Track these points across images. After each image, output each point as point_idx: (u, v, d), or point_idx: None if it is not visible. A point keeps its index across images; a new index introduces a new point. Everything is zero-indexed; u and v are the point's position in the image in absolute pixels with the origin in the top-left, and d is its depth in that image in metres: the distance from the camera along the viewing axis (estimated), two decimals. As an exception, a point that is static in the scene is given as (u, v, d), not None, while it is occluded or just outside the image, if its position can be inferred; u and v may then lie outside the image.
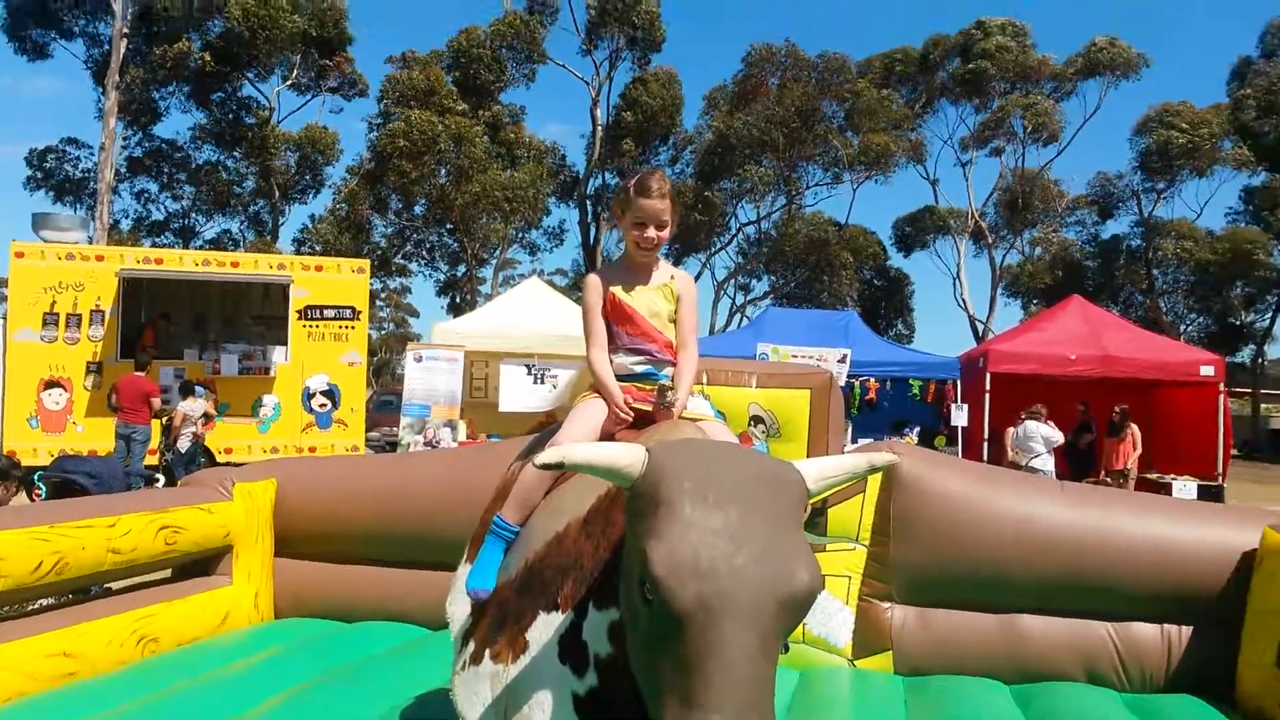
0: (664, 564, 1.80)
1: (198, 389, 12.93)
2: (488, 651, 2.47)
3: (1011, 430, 13.21)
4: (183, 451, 12.38)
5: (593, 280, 2.91)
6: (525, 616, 2.39)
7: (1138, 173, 37.82)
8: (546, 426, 3.33)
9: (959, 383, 16.58)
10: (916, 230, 41.57)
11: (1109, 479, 13.27)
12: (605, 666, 2.14)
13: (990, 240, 39.87)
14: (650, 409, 2.77)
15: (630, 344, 2.87)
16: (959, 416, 15.52)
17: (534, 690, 2.28)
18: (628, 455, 2.01)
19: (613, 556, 2.17)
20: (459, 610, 2.73)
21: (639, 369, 2.84)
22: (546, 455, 2.03)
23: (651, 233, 2.78)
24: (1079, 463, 14.13)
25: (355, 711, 3.50)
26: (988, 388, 15.31)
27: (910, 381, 17.19)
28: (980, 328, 38.84)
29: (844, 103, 35.66)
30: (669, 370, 2.87)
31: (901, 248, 42.25)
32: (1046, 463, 12.57)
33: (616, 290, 2.86)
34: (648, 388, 2.80)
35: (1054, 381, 15.43)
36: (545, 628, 2.31)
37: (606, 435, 2.74)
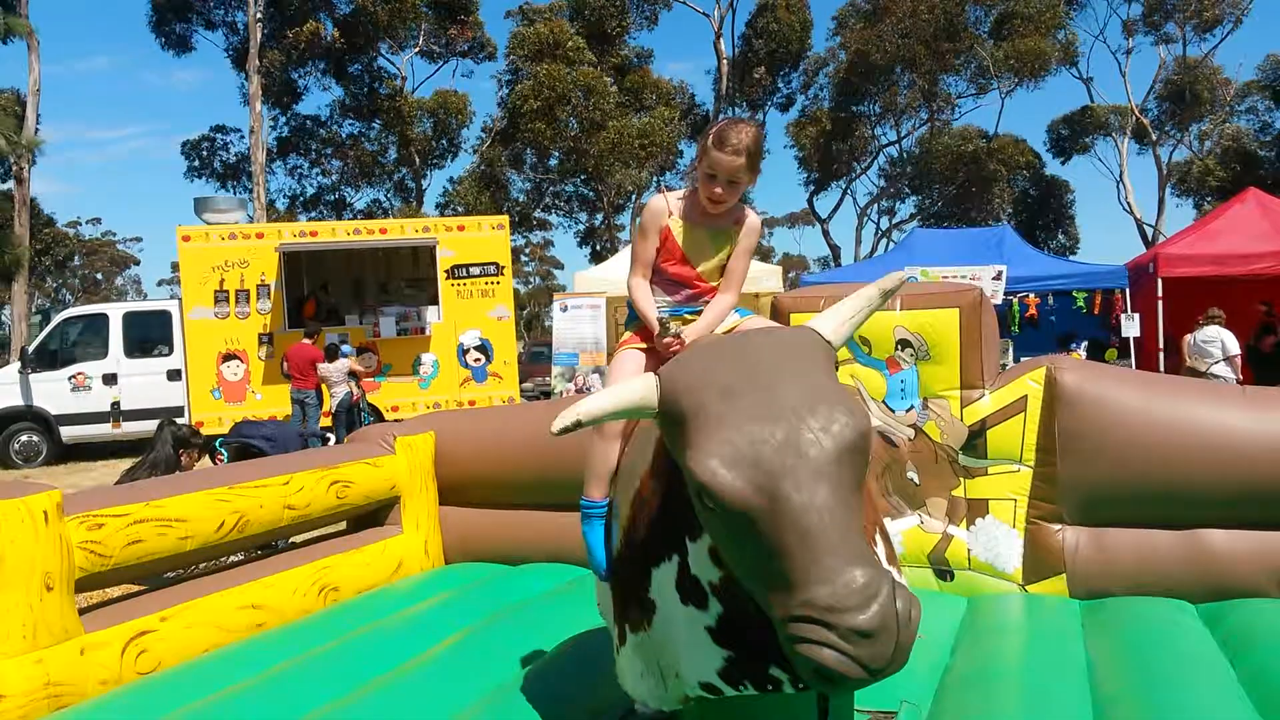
0: (707, 470, 1.80)
1: (343, 349, 13.52)
2: (628, 626, 2.49)
3: (1189, 337, 12.43)
4: (333, 412, 12.99)
5: (656, 204, 2.79)
6: (640, 580, 2.39)
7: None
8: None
9: (1128, 292, 15.66)
10: (1074, 132, 39.12)
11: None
12: (722, 591, 2.12)
13: (1154, 138, 37.30)
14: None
15: (665, 281, 2.78)
16: (1130, 327, 14.67)
17: (675, 641, 2.28)
18: (639, 388, 2.00)
19: (684, 487, 2.13)
20: (605, 599, 2.76)
21: (664, 312, 2.75)
22: (561, 418, 2.01)
23: (719, 189, 2.61)
24: (1264, 367, 13.19)
25: (519, 651, 3.60)
26: (1160, 294, 14.42)
27: (1074, 294, 16.34)
28: (1149, 232, 36.55)
29: (989, 7, 33.75)
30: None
31: (1058, 153, 39.91)
32: (1225, 370, 11.77)
33: (673, 223, 2.74)
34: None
35: (1233, 282, 14.37)
36: (660, 582, 2.31)
37: None
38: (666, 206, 2.76)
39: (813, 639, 1.66)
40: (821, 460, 1.76)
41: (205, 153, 36.14)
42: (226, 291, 15.05)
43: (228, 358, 15.06)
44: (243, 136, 34.65)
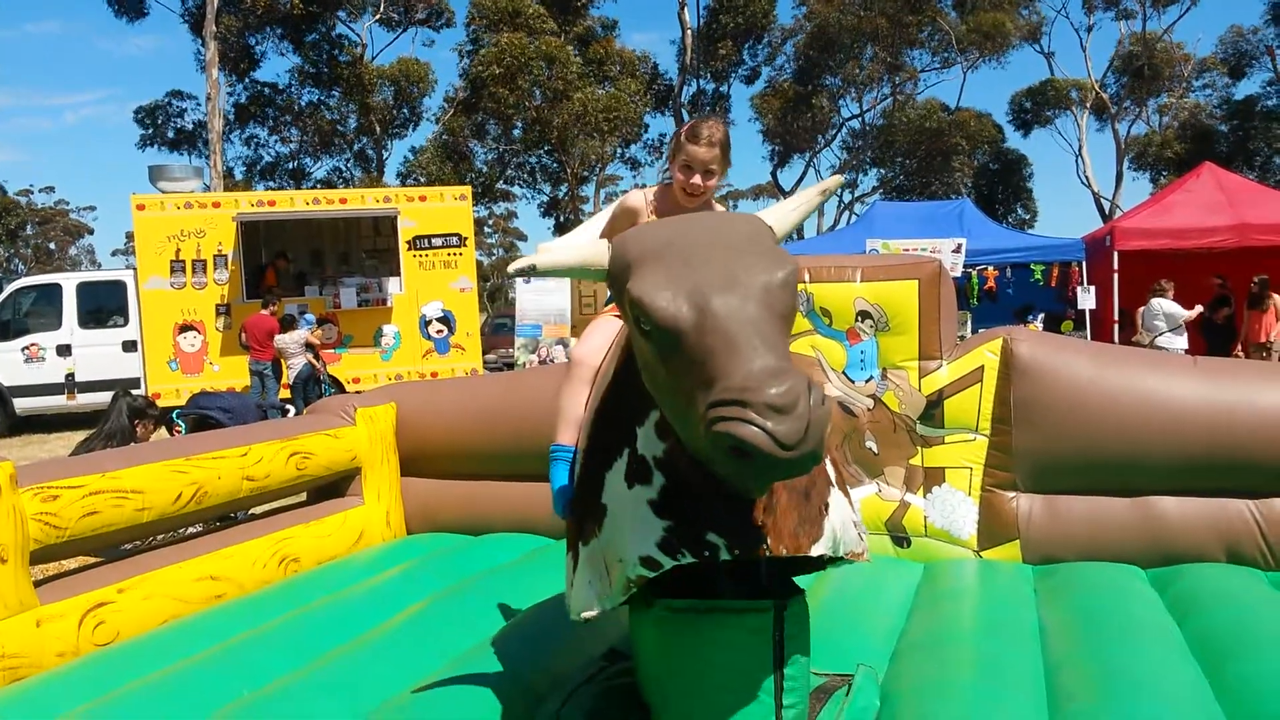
0: (645, 288, 1.97)
1: (305, 319, 13.40)
2: (581, 542, 2.54)
3: (1142, 310, 12.65)
4: (292, 384, 12.88)
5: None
6: (596, 489, 2.45)
7: (1271, 25, 35.03)
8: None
9: (1084, 265, 15.88)
10: (1036, 106, 39.44)
11: (1250, 354, 12.60)
12: (664, 462, 2.22)
13: (1113, 112, 37.67)
14: None
15: None
16: (1086, 299, 14.90)
17: (621, 528, 2.34)
18: (594, 247, 2.20)
19: (627, 373, 2.29)
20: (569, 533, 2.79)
21: None
22: (517, 264, 2.22)
23: (697, 180, 2.75)
24: (1218, 338, 13.45)
25: (481, 620, 3.62)
26: (1115, 267, 14.63)
27: (1032, 267, 16.55)
28: (1107, 205, 37.00)
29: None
30: None
31: (1020, 126, 40.23)
32: (1173, 340, 12.00)
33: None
34: None
35: (1189, 256, 14.62)
36: (612, 482, 2.39)
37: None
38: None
39: (729, 417, 1.76)
40: (751, 286, 1.93)
41: (160, 120, 35.43)
42: (183, 261, 14.82)
43: (184, 329, 14.85)
44: (199, 104, 34.02)
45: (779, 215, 2.32)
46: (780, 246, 2.17)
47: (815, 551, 2.24)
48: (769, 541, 2.15)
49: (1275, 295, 12.85)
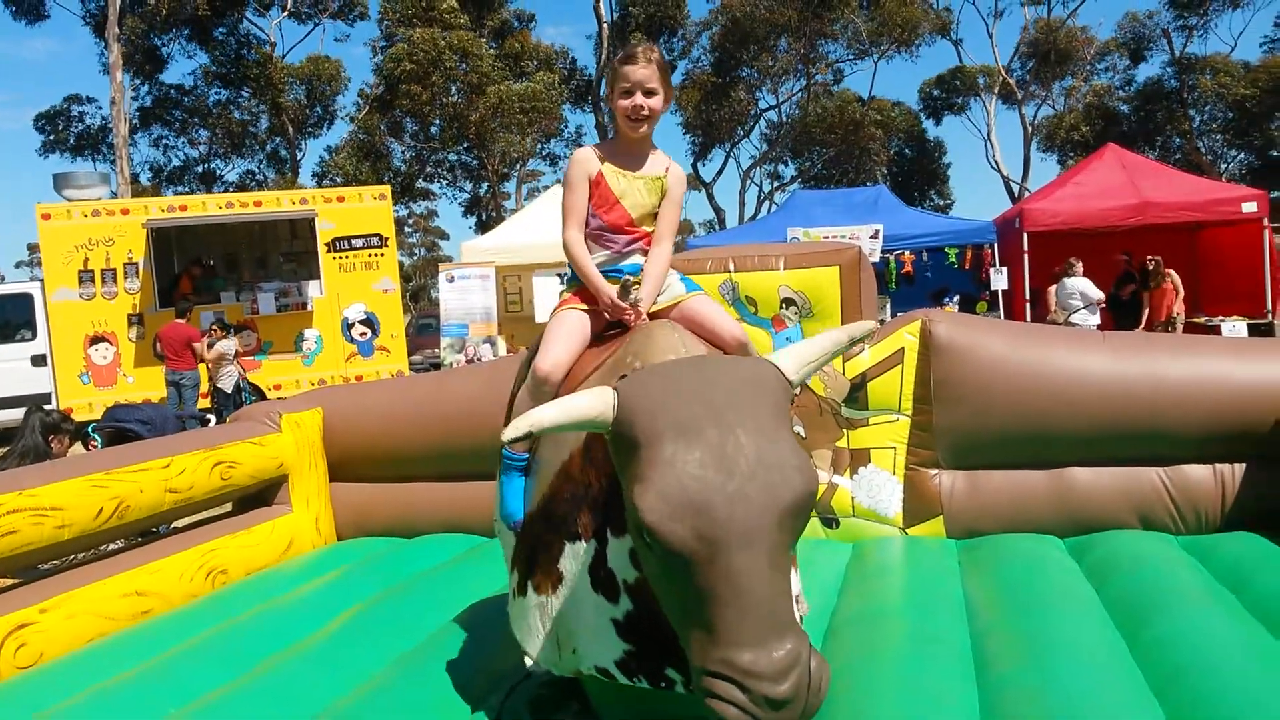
0: (654, 510, 1.78)
1: (231, 329, 13.13)
2: (530, 583, 2.49)
3: (1052, 288, 13.03)
4: (227, 391, 12.61)
5: (582, 154, 2.78)
6: (553, 547, 2.40)
7: (1168, 9, 36.32)
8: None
9: (996, 246, 16.30)
10: (946, 93, 40.31)
11: (1156, 327, 13.08)
12: (635, 590, 2.15)
13: (1020, 97, 38.66)
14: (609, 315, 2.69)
15: (599, 231, 2.76)
16: (998, 280, 15.30)
17: (579, 620, 2.31)
18: (597, 403, 1.96)
19: (618, 483, 2.13)
20: (505, 535, 2.76)
21: (601, 262, 2.75)
22: (513, 428, 1.99)
23: (640, 99, 2.64)
24: (1124, 313, 13.94)
25: (418, 622, 3.60)
26: (1025, 248, 15.06)
27: (947, 250, 16.93)
28: (1016, 188, 37.98)
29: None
30: (637, 261, 2.77)
31: (931, 113, 41.11)
32: (1087, 318, 12.41)
33: (606, 169, 2.73)
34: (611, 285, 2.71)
35: (1094, 234, 15.12)
36: (573, 557, 2.33)
37: (591, 340, 2.70)
38: (594, 154, 2.75)
39: (725, 697, 1.71)
40: (766, 521, 1.77)
41: (61, 125, 34.25)
42: (91, 271, 14.34)
43: (96, 340, 14.38)
44: (101, 107, 32.99)
45: (798, 364, 2.10)
46: (795, 437, 1.99)
47: None
48: None
49: (1170, 272, 13.36)
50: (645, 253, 2.78)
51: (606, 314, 2.71)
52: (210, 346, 12.68)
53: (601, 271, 2.73)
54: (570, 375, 2.61)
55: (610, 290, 2.68)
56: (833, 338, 2.19)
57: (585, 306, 2.76)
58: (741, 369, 2.01)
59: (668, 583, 1.86)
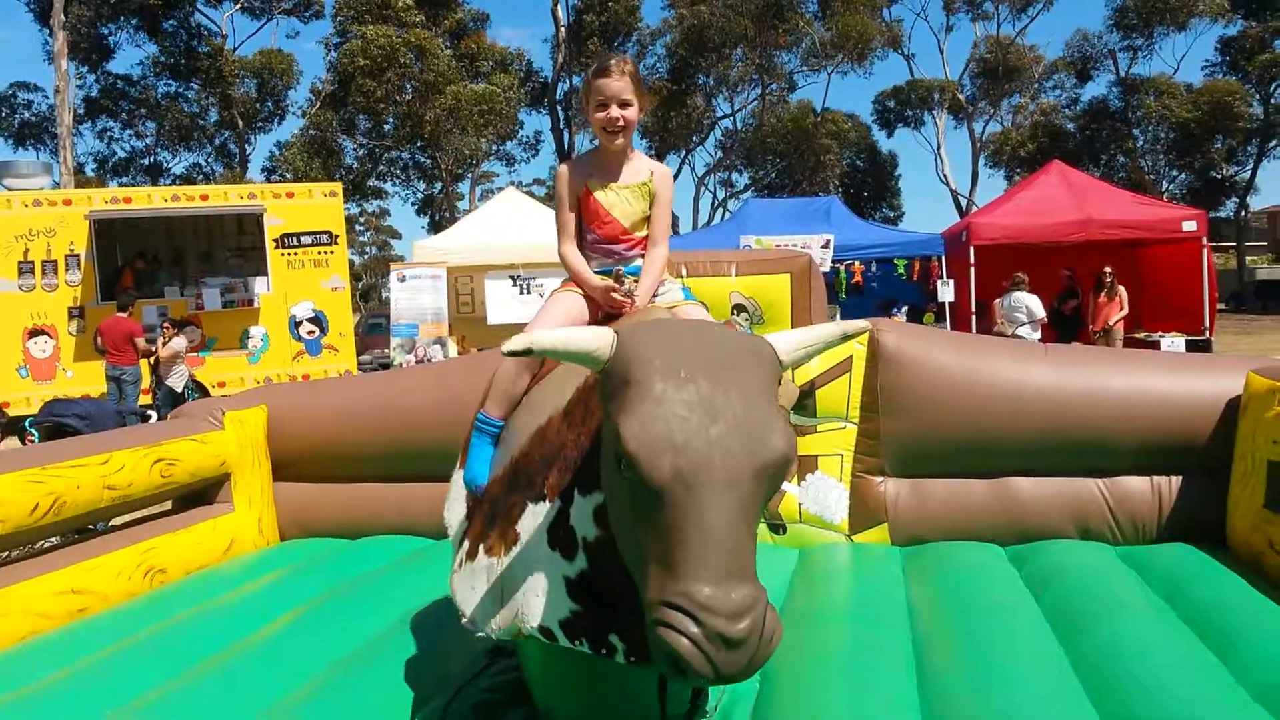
0: (637, 439, 1.82)
1: (178, 325, 12.92)
2: (482, 546, 2.51)
3: (998, 301, 13.27)
4: (177, 390, 12.38)
5: (564, 171, 2.83)
6: (514, 509, 2.42)
7: (1114, 31, 37.17)
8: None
9: (944, 259, 16.56)
10: (899, 105, 40.89)
11: (1094, 340, 13.36)
12: (593, 549, 2.18)
13: (969, 112, 39.33)
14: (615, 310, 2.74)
15: (596, 244, 2.82)
16: (945, 292, 15.56)
17: (527, 576, 2.32)
18: (597, 338, 2.01)
19: (594, 443, 2.20)
20: (455, 514, 2.77)
21: (603, 271, 2.79)
22: (514, 342, 2.04)
23: (615, 111, 2.69)
24: (1066, 327, 14.22)
25: (363, 623, 3.56)
26: (972, 261, 15.31)
27: (896, 261, 17.18)
28: (964, 202, 38.61)
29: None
30: (638, 264, 2.83)
31: (883, 125, 41.70)
32: (1032, 333, 12.65)
33: (592, 183, 2.78)
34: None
35: (1038, 249, 15.42)
36: (534, 518, 2.35)
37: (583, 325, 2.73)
38: (574, 171, 2.81)
39: (678, 628, 1.71)
40: (745, 470, 1.81)
41: (4, 113, 33.43)
42: (32, 262, 13.98)
43: (35, 333, 14.02)
44: (46, 96, 32.23)
45: (792, 345, 2.16)
46: (796, 415, 2.04)
47: None
48: None
49: (1121, 287, 13.67)
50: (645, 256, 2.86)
51: (601, 302, 2.76)
52: (165, 344, 12.44)
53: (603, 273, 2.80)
54: (557, 373, 2.65)
55: (606, 282, 2.74)
56: (828, 330, 2.25)
57: (582, 292, 2.82)
58: (739, 338, 2.08)
59: (635, 517, 1.88)
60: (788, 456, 1.87)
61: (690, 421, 1.82)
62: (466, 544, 2.62)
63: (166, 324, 12.83)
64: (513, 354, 2.06)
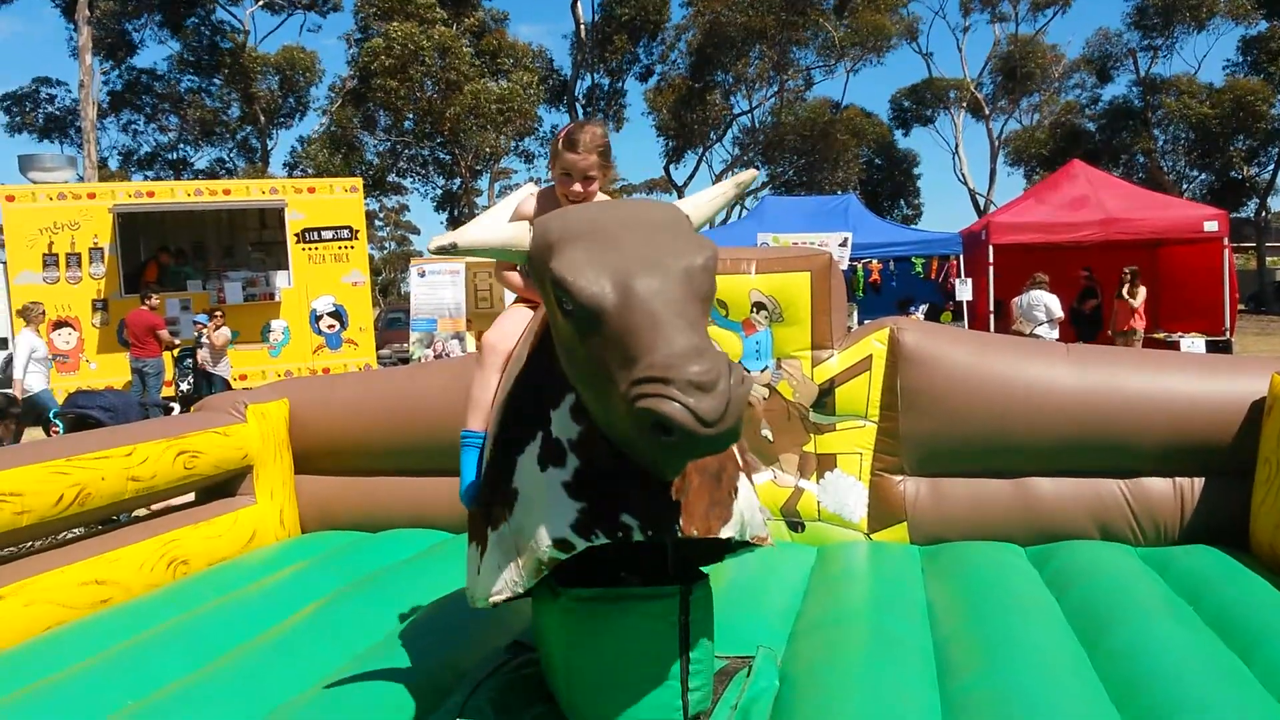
0: (569, 267, 2.00)
1: (196, 317, 13.07)
2: (490, 528, 2.52)
3: (1016, 300, 13.20)
4: (226, 378, 12.53)
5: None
6: (506, 473, 2.45)
7: (1134, 30, 36.87)
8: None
9: (962, 258, 16.47)
10: (916, 104, 40.71)
11: (1116, 340, 13.27)
12: (580, 445, 2.25)
13: (987, 111, 39.09)
14: None
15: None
16: (963, 291, 15.47)
17: (533, 511, 2.34)
18: (516, 230, 2.22)
19: (547, 356, 2.30)
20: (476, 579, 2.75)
21: None
22: (438, 240, 2.22)
23: (577, 188, 2.73)
24: (1086, 327, 14.14)
25: (383, 617, 3.58)
26: (990, 260, 15.23)
27: (913, 260, 17.09)
28: (981, 201, 38.39)
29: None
30: None
31: (900, 124, 41.50)
32: (1050, 331, 12.58)
33: None
34: None
35: (1057, 249, 15.33)
36: (524, 465, 2.39)
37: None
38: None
39: (652, 393, 1.81)
40: (673, 269, 1.99)
41: (29, 107, 33.69)
42: (56, 255, 14.10)
43: (59, 325, 14.16)
44: (70, 90, 32.50)
45: (695, 204, 2.38)
46: (698, 232, 2.25)
47: (725, 534, 2.30)
48: (681, 523, 2.20)
49: (1141, 286, 13.57)
50: None
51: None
52: (216, 330, 12.60)
53: None
54: (514, 353, 2.75)
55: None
56: (722, 186, 2.51)
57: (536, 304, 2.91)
58: (643, 203, 2.31)
59: (590, 350, 1.99)
60: (709, 254, 2.06)
61: (614, 241, 2.02)
62: (475, 545, 2.63)
63: (218, 313, 13.00)
64: (440, 250, 2.23)
